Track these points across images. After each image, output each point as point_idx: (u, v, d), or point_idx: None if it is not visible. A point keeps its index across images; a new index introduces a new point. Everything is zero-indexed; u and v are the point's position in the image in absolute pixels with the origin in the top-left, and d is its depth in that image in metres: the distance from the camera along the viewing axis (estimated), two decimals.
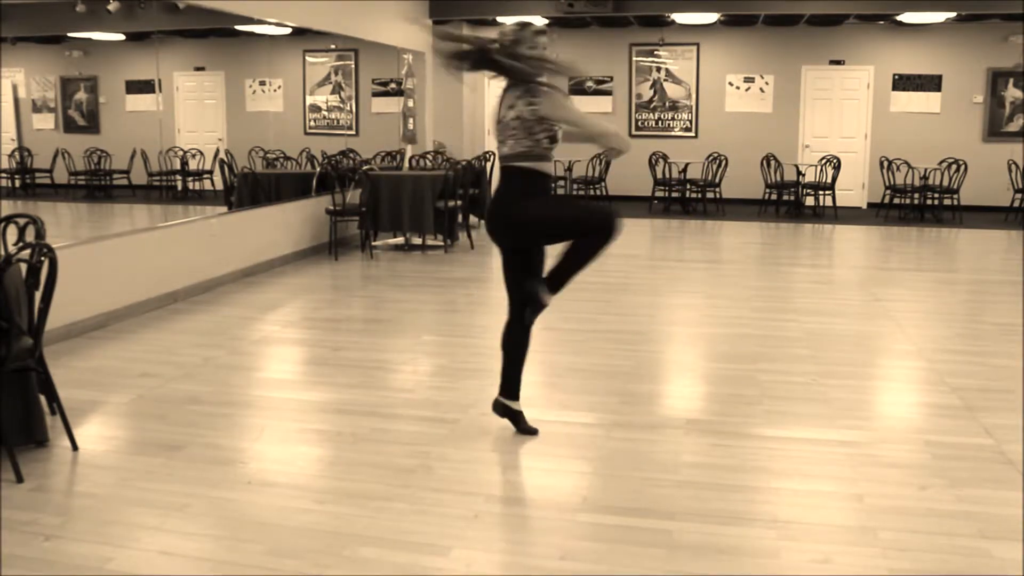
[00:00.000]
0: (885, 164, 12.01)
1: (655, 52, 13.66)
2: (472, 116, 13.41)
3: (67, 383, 4.47)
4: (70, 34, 7.86)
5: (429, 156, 11.24)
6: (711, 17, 12.02)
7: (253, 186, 8.91)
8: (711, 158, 12.75)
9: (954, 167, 11.81)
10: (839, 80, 13.22)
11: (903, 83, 13.01)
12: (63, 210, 8.28)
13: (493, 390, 4.06)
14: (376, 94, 11.51)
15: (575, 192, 12.90)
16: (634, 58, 13.76)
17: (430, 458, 3.72)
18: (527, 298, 3.79)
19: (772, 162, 12.23)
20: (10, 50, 7.25)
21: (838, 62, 13.16)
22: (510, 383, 3.95)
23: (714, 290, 7.53)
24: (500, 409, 4.00)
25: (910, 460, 3.72)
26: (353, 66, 11.09)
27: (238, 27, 8.48)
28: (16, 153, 7.66)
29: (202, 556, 2.93)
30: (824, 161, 12.18)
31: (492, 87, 13.07)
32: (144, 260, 6.49)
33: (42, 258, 3.70)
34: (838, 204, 12.32)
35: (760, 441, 3.92)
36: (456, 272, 8.27)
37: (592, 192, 12.98)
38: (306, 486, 3.48)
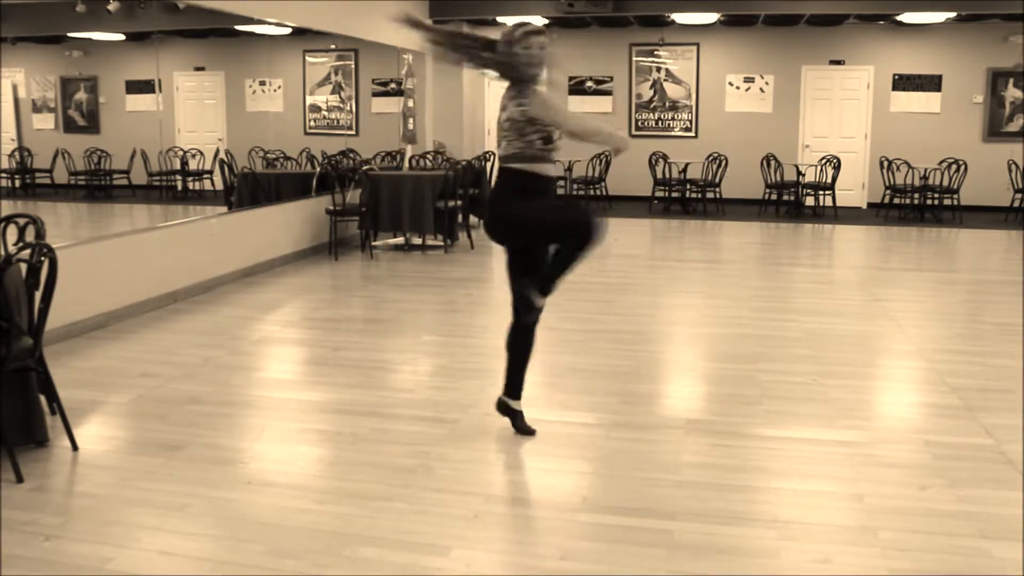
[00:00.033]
0: (885, 164, 12.01)
1: (655, 52, 13.66)
2: (472, 116, 13.41)
3: (67, 383, 4.47)
4: (70, 34, 7.85)
5: (429, 156, 11.24)
6: (711, 17, 12.02)
7: (253, 186, 8.91)
8: (711, 158, 12.75)
9: (954, 167, 11.81)
10: (839, 80, 13.22)
11: (903, 83, 13.01)
12: (63, 210, 8.27)
13: (493, 390, 4.06)
14: (376, 94, 11.51)
15: (575, 192, 12.90)
16: (634, 58, 13.76)
17: (430, 458, 3.72)
18: (519, 299, 3.81)
19: (772, 162, 12.23)
20: (10, 50, 7.25)
21: (838, 62, 13.16)
22: (511, 382, 3.96)
23: (714, 290, 7.53)
24: (502, 408, 4.01)
25: (910, 460, 3.72)
26: (353, 66, 11.09)
27: (238, 27, 8.48)
28: (16, 153, 7.66)
29: (202, 556, 2.93)
30: (824, 161, 12.18)
31: (492, 87, 13.08)
32: (144, 260, 6.49)
33: (42, 258, 3.70)
34: (838, 204, 12.32)
35: (760, 441, 3.92)
36: (456, 272, 8.27)
37: (592, 192, 12.98)
38: (306, 486, 3.48)
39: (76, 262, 5.56)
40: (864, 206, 13.23)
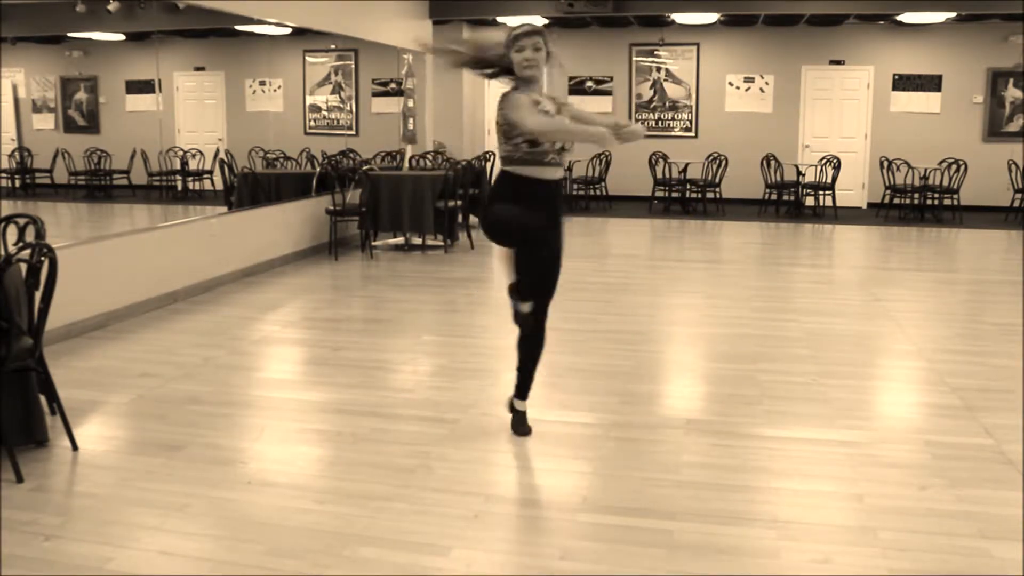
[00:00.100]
0: (885, 164, 12.01)
1: (655, 52, 13.67)
2: (472, 116, 13.41)
3: (67, 383, 4.47)
4: (70, 34, 7.85)
5: (429, 156, 11.24)
6: (711, 17, 12.02)
7: (253, 186, 8.91)
8: (711, 158, 12.75)
9: (954, 167, 11.81)
10: (839, 80, 13.22)
11: (903, 83, 13.01)
12: (63, 210, 8.27)
13: (493, 390, 4.06)
14: (376, 94, 11.50)
15: (575, 192, 12.89)
16: (634, 58, 13.76)
17: (430, 458, 3.72)
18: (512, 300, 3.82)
19: (772, 162, 12.23)
20: (10, 50, 7.25)
21: (838, 62, 13.16)
22: (518, 382, 3.97)
23: (714, 290, 7.53)
24: (510, 407, 4.03)
25: (910, 460, 3.72)
26: (353, 66, 11.08)
27: (238, 27, 8.47)
28: (16, 153, 7.65)
29: (202, 556, 2.93)
30: (824, 161, 12.18)
31: (492, 87, 13.07)
32: (144, 260, 6.49)
33: (42, 258, 3.70)
34: (838, 204, 12.32)
35: (760, 441, 3.92)
36: (456, 272, 8.26)
37: (592, 192, 12.98)
38: (306, 486, 3.48)
39: (76, 262, 5.56)
40: (864, 206, 13.23)
